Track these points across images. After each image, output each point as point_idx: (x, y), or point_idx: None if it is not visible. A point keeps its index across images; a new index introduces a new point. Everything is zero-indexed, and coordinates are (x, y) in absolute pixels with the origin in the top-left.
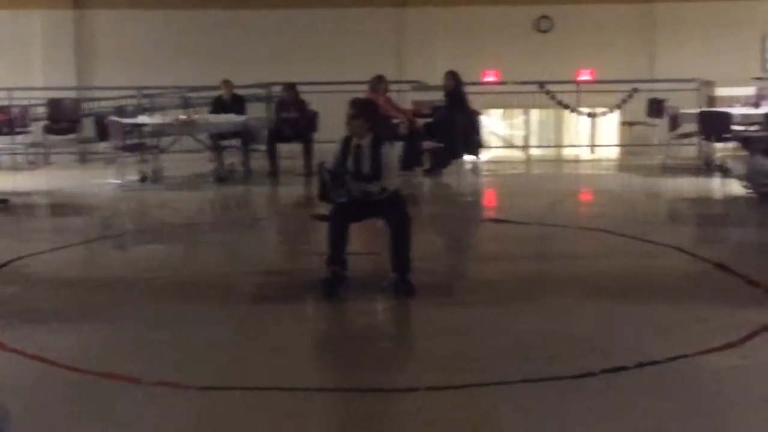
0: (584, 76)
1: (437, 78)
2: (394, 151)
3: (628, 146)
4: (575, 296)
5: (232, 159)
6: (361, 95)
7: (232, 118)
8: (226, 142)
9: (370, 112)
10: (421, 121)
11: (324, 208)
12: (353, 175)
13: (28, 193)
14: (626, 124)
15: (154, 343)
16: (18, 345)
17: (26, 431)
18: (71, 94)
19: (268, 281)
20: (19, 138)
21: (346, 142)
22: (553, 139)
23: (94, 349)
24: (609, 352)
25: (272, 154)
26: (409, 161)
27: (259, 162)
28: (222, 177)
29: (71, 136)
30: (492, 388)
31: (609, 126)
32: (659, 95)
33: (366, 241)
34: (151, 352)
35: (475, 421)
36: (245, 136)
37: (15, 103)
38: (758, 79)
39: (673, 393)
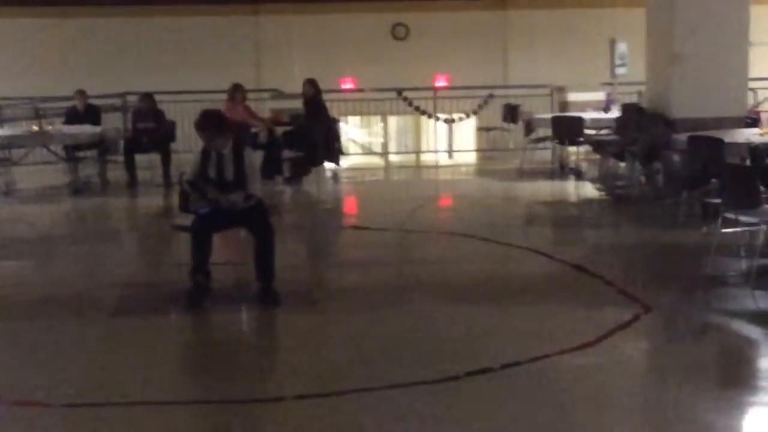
0: (441, 82)
1: (295, 86)
2: (253, 158)
3: (484, 151)
4: (437, 301)
5: (88, 170)
6: (220, 104)
7: (87, 128)
8: (81, 153)
9: (221, 125)
10: (280, 130)
11: (186, 218)
12: (216, 184)
13: None
14: (482, 129)
15: (11, 362)
16: None
17: None
18: None
19: (129, 294)
20: None
21: (206, 153)
22: (411, 145)
23: None
24: (473, 355)
25: (130, 165)
26: (269, 170)
27: (116, 173)
28: (78, 189)
29: None
30: (358, 395)
31: (466, 131)
32: (514, 101)
33: (229, 250)
34: (9, 372)
35: (343, 427)
36: (101, 146)
37: None
38: (607, 84)
39: (537, 392)
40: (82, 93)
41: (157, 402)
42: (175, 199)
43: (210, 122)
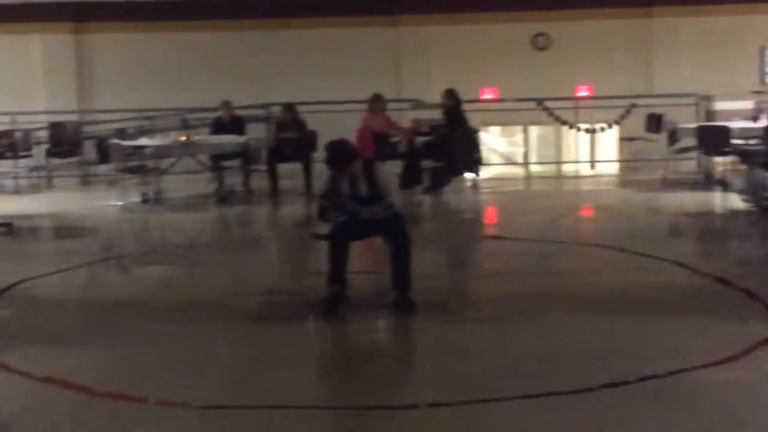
0: (582, 92)
1: (435, 96)
2: (384, 170)
3: (627, 161)
4: (575, 312)
5: (232, 179)
6: (360, 114)
7: (231, 138)
8: (226, 163)
9: (347, 155)
10: (420, 140)
11: (324, 227)
12: (353, 199)
13: (31, 216)
14: (625, 139)
15: (154, 363)
16: (22, 366)
17: None
18: (73, 118)
19: (270, 301)
20: (22, 162)
21: (336, 175)
22: (552, 155)
23: (99, 369)
24: (609, 367)
25: (272, 174)
26: (409, 180)
27: (259, 182)
28: (223, 197)
29: (73, 159)
30: (492, 405)
31: (608, 142)
32: (658, 110)
33: (366, 259)
34: (152, 373)
35: None
36: (245, 156)
37: (17, 127)
38: (756, 92)
39: (673, 407)
40: (227, 104)
41: (293, 406)
42: (315, 210)
43: (336, 154)
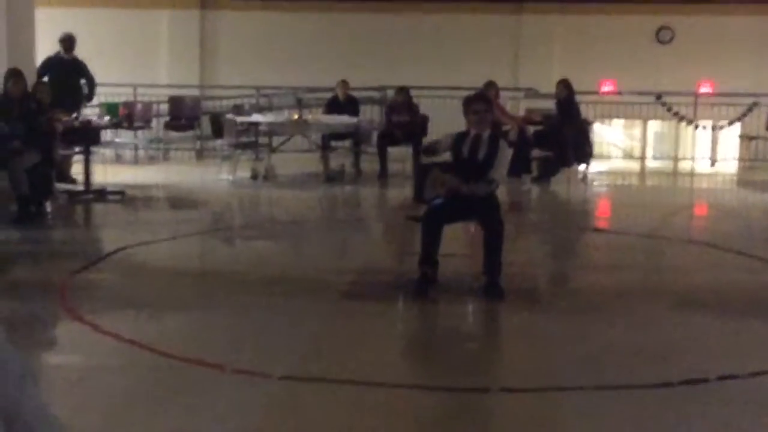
0: (704, 88)
1: (552, 86)
2: (508, 149)
3: (746, 161)
4: (666, 308)
5: (342, 160)
6: None
7: (344, 119)
8: (335, 143)
9: (490, 104)
10: (531, 129)
11: (419, 210)
12: (467, 162)
13: (144, 187)
14: (745, 137)
15: (241, 332)
16: (112, 329)
17: (111, 410)
18: (193, 92)
19: (362, 279)
20: (141, 133)
21: (462, 135)
22: (670, 151)
23: (184, 336)
24: (692, 364)
25: (382, 156)
26: (518, 168)
27: (369, 164)
28: (331, 177)
29: (190, 132)
30: (563, 393)
31: (729, 139)
32: None
33: (459, 242)
34: (238, 342)
35: (544, 424)
36: (356, 137)
37: (139, 99)
38: None
39: (749, 407)
40: (344, 83)
41: (370, 382)
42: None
43: (483, 96)
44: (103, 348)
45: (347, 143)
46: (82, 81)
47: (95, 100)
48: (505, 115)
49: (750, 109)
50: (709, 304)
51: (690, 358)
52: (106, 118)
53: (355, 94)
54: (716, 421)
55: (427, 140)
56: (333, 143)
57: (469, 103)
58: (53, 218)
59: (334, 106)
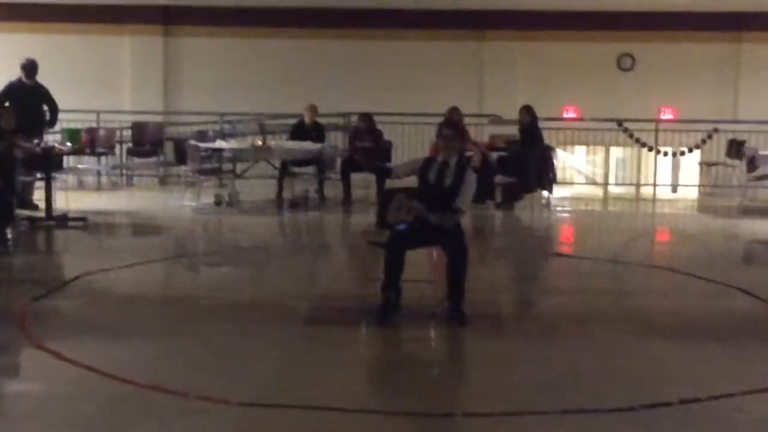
0: (666, 114)
1: (516, 112)
2: (474, 177)
3: (706, 187)
4: (628, 333)
5: (306, 186)
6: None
7: (307, 145)
8: (298, 169)
9: (461, 133)
10: (494, 155)
11: (381, 235)
12: (433, 188)
13: (107, 213)
14: (704, 164)
15: (203, 359)
16: (73, 356)
17: None
18: (157, 118)
19: (325, 305)
20: (104, 159)
21: (430, 160)
22: (631, 177)
23: (146, 363)
24: (653, 388)
25: (346, 182)
26: (481, 194)
27: (333, 190)
28: (295, 203)
29: (153, 158)
30: (528, 417)
31: (689, 166)
32: (742, 136)
33: (422, 268)
34: (200, 368)
35: None
36: (319, 163)
37: (102, 125)
38: None
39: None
40: (312, 107)
41: (333, 408)
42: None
43: (455, 123)
44: (63, 376)
45: (311, 169)
46: (45, 107)
47: (57, 126)
48: (469, 141)
49: (710, 136)
50: (670, 329)
51: (652, 382)
52: (68, 144)
53: (320, 120)
54: None
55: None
56: (296, 169)
57: (440, 128)
58: (14, 245)
59: (300, 131)
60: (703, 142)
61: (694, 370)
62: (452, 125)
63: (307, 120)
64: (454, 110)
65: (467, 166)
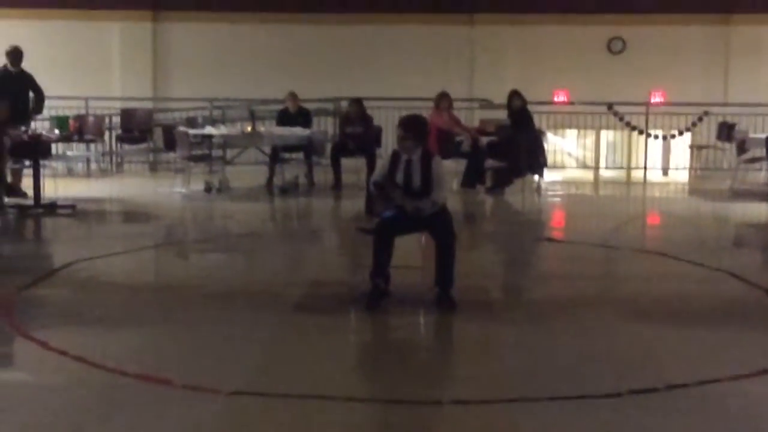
0: (656, 97)
1: (506, 97)
2: (443, 166)
3: (697, 170)
4: (616, 317)
5: (296, 171)
6: (427, 111)
7: (297, 131)
8: (287, 155)
9: (419, 130)
10: (484, 139)
11: (370, 222)
12: (403, 190)
13: (96, 200)
14: (694, 147)
15: (191, 347)
16: (60, 345)
17: (58, 429)
18: (146, 105)
19: (313, 292)
20: (93, 146)
21: (396, 158)
22: (622, 160)
23: (134, 351)
24: (641, 374)
25: (336, 168)
26: (471, 179)
27: (323, 175)
28: (284, 189)
29: (143, 145)
30: (516, 404)
31: (680, 149)
32: (732, 119)
33: (410, 254)
34: (188, 356)
35: None
36: (309, 149)
37: (91, 111)
38: None
39: (696, 416)
40: (293, 95)
41: (322, 396)
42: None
43: (411, 122)
44: (50, 365)
45: (300, 155)
46: (31, 94)
47: (45, 113)
48: (458, 125)
49: (700, 119)
50: (659, 313)
51: (640, 368)
52: (57, 131)
53: (309, 105)
54: (663, 429)
55: (380, 152)
56: (286, 155)
57: (399, 123)
58: (2, 233)
59: (285, 118)
60: (694, 125)
61: (682, 354)
62: (404, 124)
63: (290, 107)
64: (443, 95)
65: (431, 159)
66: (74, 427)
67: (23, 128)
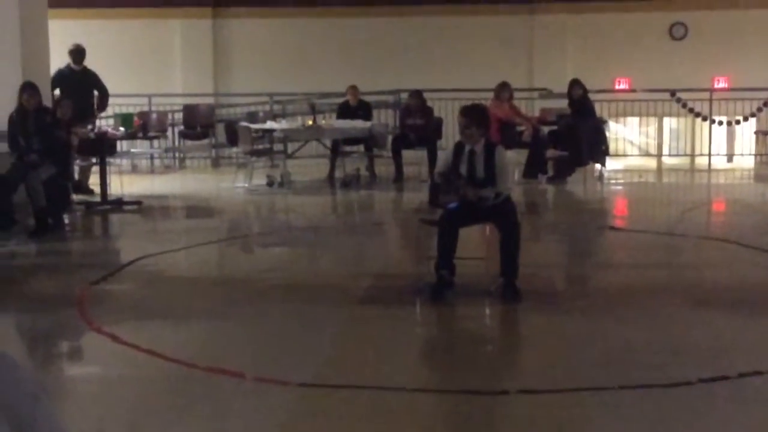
0: (720, 83)
1: (566, 86)
2: (506, 156)
3: (763, 156)
4: (685, 306)
5: (357, 164)
6: (486, 103)
7: (357, 124)
8: (348, 148)
9: (481, 119)
10: (545, 129)
11: (434, 213)
12: (467, 181)
13: (161, 196)
14: (759, 133)
15: (260, 340)
16: (131, 339)
17: (133, 422)
18: (208, 100)
19: (380, 284)
20: (156, 143)
21: (459, 148)
22: (686, 148)
23: (204, 344)
24: (711, 362)
25: (397, 160)
26: (533, 169)
27: (384, 168)
28: (346, 182)
29: (205, 141)
30: (586, 393)
31: (745, 135)
32: None
33: (475, 245)
34: (257, 349)
35: (564, 425)
36: (369, 141)
37: (154, 108)
38: None
39: None
40: (354, 88)
41: (390, 387)
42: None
43: (472, 110)
44: (122, 359)
45: (361, 148)
46: (95, 92)
47: (110, 111)
48: (518, 115)
49: (765, 104)
50: (727, 302)
51: (710, 356)
52: (121, 128)
53: (369, 98)
54: (738, 419)
55: (441, 144)
56: (347, 148)
57: (461, 112)
58: (71, 230)
59: (345, 111)
60: (759, 110)
61: (753, 343)
62: (466, 112)
63: (351, 100)
64: (503, 85)
65: (495, 149)
66: (149, 419)
67: (89, 126)
